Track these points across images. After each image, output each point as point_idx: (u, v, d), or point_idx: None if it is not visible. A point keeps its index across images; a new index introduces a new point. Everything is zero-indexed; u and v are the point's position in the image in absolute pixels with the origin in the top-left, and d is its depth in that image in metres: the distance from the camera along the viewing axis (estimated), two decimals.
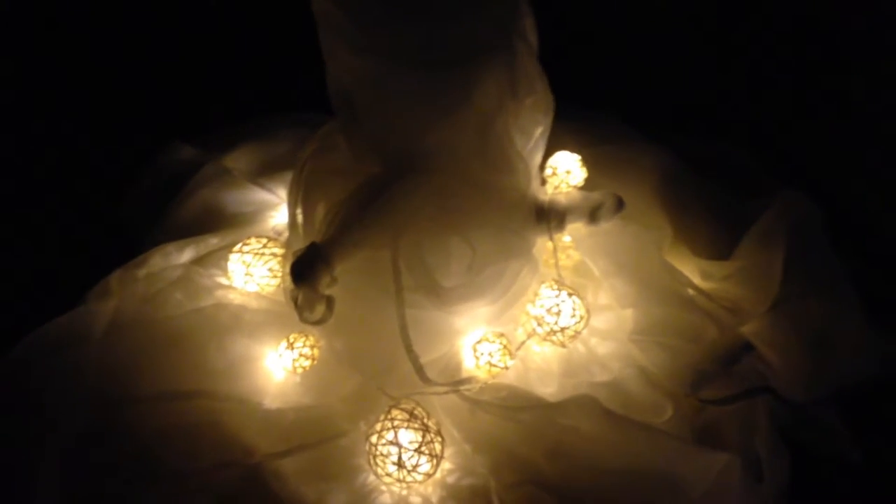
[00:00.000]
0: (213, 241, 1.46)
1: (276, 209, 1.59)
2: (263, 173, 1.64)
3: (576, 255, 1.40)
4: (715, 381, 1.28)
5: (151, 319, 1.27)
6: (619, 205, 1.31)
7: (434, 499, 1.12)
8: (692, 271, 1.44)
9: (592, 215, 1.30)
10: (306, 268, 1.13)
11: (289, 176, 1.58)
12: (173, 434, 1.15)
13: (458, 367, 1.24)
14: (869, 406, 1.32)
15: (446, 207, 1.20)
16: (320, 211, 1.25)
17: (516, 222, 1.24)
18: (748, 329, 1.33)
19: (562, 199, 1.29)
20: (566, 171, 1.34)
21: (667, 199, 1.53)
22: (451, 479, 1.14)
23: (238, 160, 1.65)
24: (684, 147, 1.70)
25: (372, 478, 1.15)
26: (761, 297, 1.37)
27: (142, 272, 1.36)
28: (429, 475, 1.12)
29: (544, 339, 1.30)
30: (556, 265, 1.31)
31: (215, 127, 1.77)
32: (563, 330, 1.28)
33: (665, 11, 1.85)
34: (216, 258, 1.43)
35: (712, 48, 1.84)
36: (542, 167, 1.33)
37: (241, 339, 1.27)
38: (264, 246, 1.38)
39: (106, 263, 1.37)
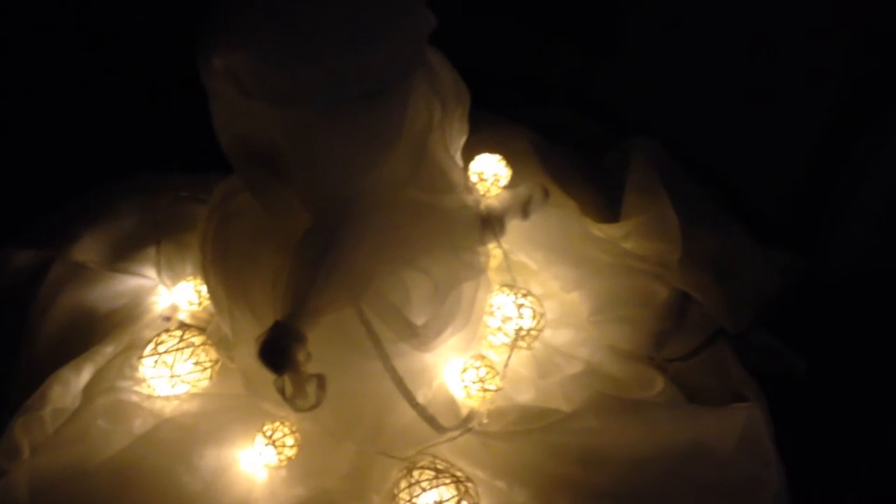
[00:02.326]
0: (108, 350, 1.26)
1: (154, 293, 1.40)
2: (120, 257, 1.44)
3: (498, 255, 1.38)
4: (674, 338, 1.32)
5: (87, 466, 1.07)
6: (546, 194, 1.29)
7: None
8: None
9: (524, 210, 1.28)
10: (280, 352, 1.00)
11: (149, 252, 1.42)
12: None
13: (452, 403, 1.17)
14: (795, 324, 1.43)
15: (393, 242, 1.12)
16: (257, 284, 1.11)
17: (465, 239, 1.18)
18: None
19: (496, 203, 1.25)
20: (493, 175, 1.29)
21: (551, 175, 1.54)
22: None
23: (85, 250, 1.42)
24: (523, 118, 1.72)
25: None
26: (669, 247, 1.42)
27: (46, 411, 1.14)
28: None
29: (513, 347, 1.26)
30: (510, 269, 1.27)
31: (26, 219, 1.51)
32: (528, 332, 1.25)
33: None
34: (119, 367, 1.24)
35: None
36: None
37: (208, 450, 1.11)
38: (181, 339, 1.21)
39: None
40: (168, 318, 1.36)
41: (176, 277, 1.41)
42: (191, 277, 1.38)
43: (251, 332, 1.09)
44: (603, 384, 1.24)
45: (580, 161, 1.66)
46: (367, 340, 1.09)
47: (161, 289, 1.40)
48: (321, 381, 1.01)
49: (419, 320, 1.12)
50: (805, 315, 1.44)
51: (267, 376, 1.03)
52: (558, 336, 1.33)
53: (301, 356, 1.01)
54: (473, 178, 1.33)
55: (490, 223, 1.22)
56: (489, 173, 1.30)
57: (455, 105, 1.13)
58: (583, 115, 1.83)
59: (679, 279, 1.39)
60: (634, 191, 1.52)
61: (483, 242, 1.19)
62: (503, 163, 1.33)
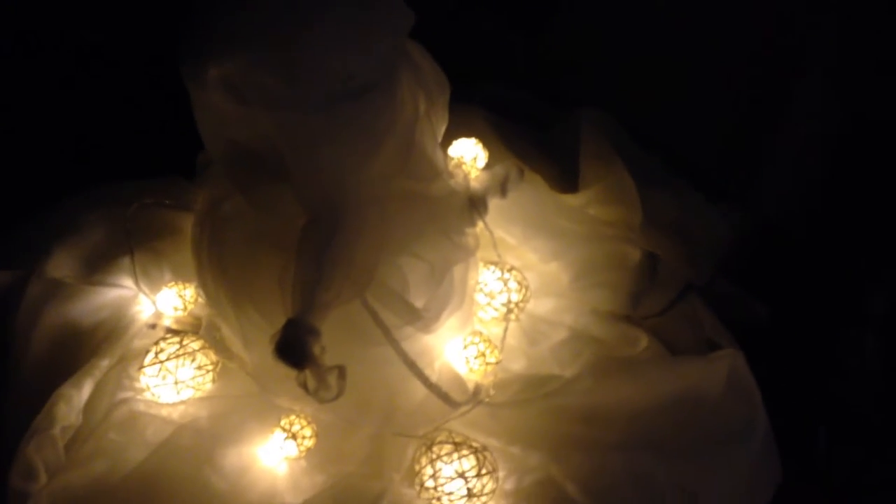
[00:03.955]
0: (104, 364, 1.25)
1: (136, 302, 1.40)
2: (95, 270, 1.42)
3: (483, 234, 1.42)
4: (648, 296, 1.40)
5: (111, 481, 1.09)
6: (521, 172, 1.35)
7: None
8: None
9: (503, 189, 1.33)
10: (298, 348, 1.03)
11: (123, 262, 1.41)
12: None
13: (459, 380, 1.22)
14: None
15: (388, 231, 1.16)
16: (261, 284, 1.13)
17: (454, 222, 1.23)
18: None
19: (476, 185, 1.30)
20: (473, 158, 1.34)
21: (513, 152, 1.60)
22: (509, 486, 1.14)
23: (59, 266, 1.40)
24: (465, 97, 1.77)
25: None
26: (630, 210, 1.50)
27: (55, 430, 1.14)
28: (493, 492, 1.11)
29: (501, 320, 1.32)
30: (495, 246, 1.32)
31: None
32: (517, 304, 1.31)
33: None
34: (117, 379, 1.24)
35: None
36: None
37: (229, 450, 1.13)
38: (181, 345, 1.22)
39: None
40: (153, 326, 1.36)
41: (154, 285, 1.40)
42: (172, 284, 1.38)
43: (261, 333, 1.11)
44: (590, 346, 1.31)
45: (531, 136, 1.72)
46: (372, 328, 1.13)
47: (142, 297, 1.39)
48: (341, 371, 1.05)
49: (419, 304, 1.16)
50: (750, 262, 1.55)
51: (280, 373, 1.06)
52: (541, 305, 1.40)
53: (317, 350, 1.04)
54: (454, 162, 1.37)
55: (475, 205, 1.27)
56: (468, 157, 1.35)
57: (438, 95, 1.17)
58: (521, 90, 1.88)
59: (642, 240, 1.47)
60: (589, 160, 1.59)
61: (471, 224, 1.24)
62: (480, 145, 1.38)
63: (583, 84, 1.81)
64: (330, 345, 1.09)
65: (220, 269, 1.17)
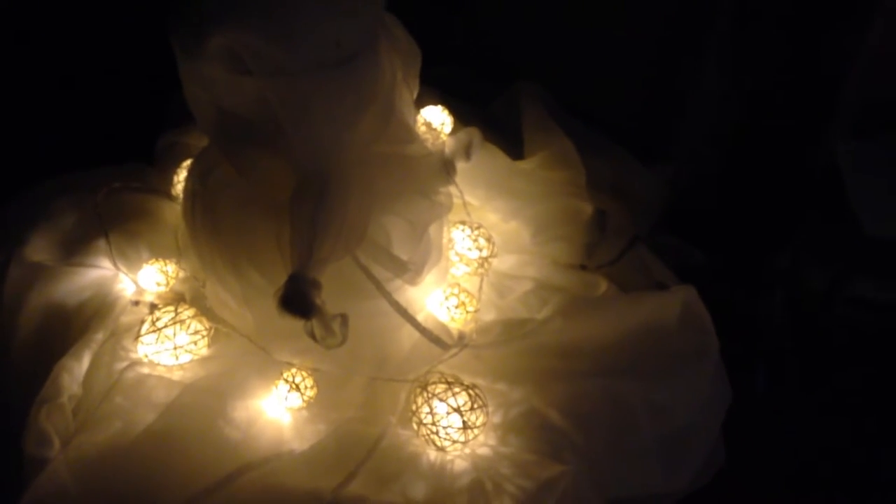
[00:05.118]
0: (98, 337, 1.30)
1: (118, 280, 1.44)
2: (71, 253, 1.46)
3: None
4: (600, 247, 1.53)
5: (125, 441, 1.14)
6: (482, 137, 1.45)
7: (495, 441, 1.22)
8: None
9: (467, 153, 1.44)
10: (303, 299, 1.11)
11: (98, 245, 1.45)
12: None
13: (444, 328, 1.32)
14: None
15: (372, 192, 1.25)
16: (258, 246, 1.21)
17: (431, 182, 1.32)
18: None
19: (445, 149, 1.40)
20: (441, 124, 1.44)
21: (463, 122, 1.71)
22: (497, 419, 1.24)
23: (38, 250, 1.43)
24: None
25: (434, 454, 1.20)
26: (575, 173, 1.63)
27: (63, 399, 1.18)
28: (484, 424, 1.21)
29: (474, 275, 1.43)
30: (465, 206, 1.43)
31: None
32: (486, 260, 1.42)
33: None
34: (112, 351, 1.29)
35: None
36: None
37: (237, 404, 1.20)
38: (176, 313, 1.27)
39: None
40: (137, 303, 1.41)
41: (132, 265, 1.45)
42: (153, 261, 1.42)
43: (260, 293, 1.19)
44: (555, 294, 1.43)
45: (477, 112, 1.83)
46: (361, 284, 1.22)
47: (123, 277, 1.44)
48: (344, 319, 1.13)
49: (403, 258, 1.26)
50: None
51: (281, 330, 1.15)
52: (505, 262, 1.51)
53: (319, 301, 1.13)
54: (422, 128, 1.47)
55: (447, 167, 1.37)
56: (437, 123, 1.45)
57: (412, 62, 1.26)
58: (462, 68, 2.00)
59: (590, 199, 1.60)
60: (532, 129, 1.72)
61: (446, 183, 1.34)
62: (446, 112, 1.48)
63: (507, 57, 1.93)
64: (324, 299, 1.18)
65: (215, 235, 1.24)
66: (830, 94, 1.62)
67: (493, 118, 1.87)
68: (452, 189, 1.38)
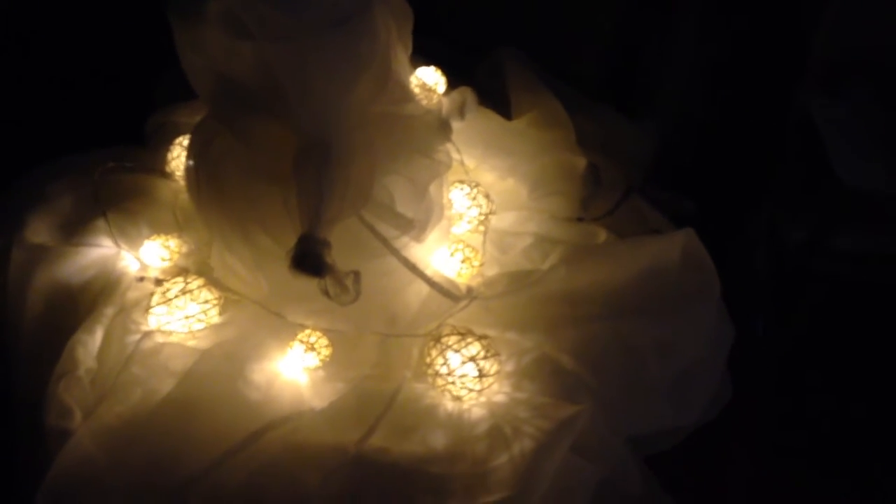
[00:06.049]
0: (109, 312, 1.30)
1: (120, 258, 1.44)
2: (71, 234, 1.46)
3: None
4: (596, 200, 1.56)
5: (146, 408, 1.16)
6: (475, 97, 1.47)
7: (509, 389, 1.25)
8: None
9: (461, 112, 1.45)
10: (316, 258, 1.12)
11: (98, 224, 1.46)
12: (269, 474, 1.10)
13: (452, 283, 1.34)
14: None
15: (373, 152, 1.26)
16: (264, 211, 1.22)
17: (429, 140, 1.34)
18: None
19: (440, 108, 1.41)
20: (434, 83, 1.45)
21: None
22: (510, 367, 1.27)
23: (38, 233, 1.43)
24: None
25: (450, 405, 1.23)
26: (565, 131, 1.66)
27: (80, 372, 1.19)
28: (497, 373, 1.24)
29: (475, 232, 1.45)
30: (462, 164, 1.45)
31: None
32: (486, 216, 1.45)
33: None
34: (123, 324, 1.30)
35: None
36: None
37: (255, 366, 1.21)
38: (186, 283, 1.28)
39: None
40: (142, 279, 1.41)
41: (133, 242, 1.45)
42: (154, 237, 1.43)
43: (271, 257, 1.20)
44: (556, 247, 1.45)
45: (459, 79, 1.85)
46: (368, 243, 1.24)
47: (125, 254, 1.44)
48: (356, 276, 1.15)
49: (411, 215, 1.27)
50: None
51: (294, 291, 1.16)
52: (503, 219, 1.53)
53: (330, 259, 1.14)
54: (416, 89, 1.48)
55: (444, 125, 1.39)
56: (430, 83, 1.46)
57: (404, 23, 1.28)
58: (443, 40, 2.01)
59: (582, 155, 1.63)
60: (518, 91, 1.74)
61: (443, 141, 1.36)
62: (439, 72, 1.49)
63: (485, 26, 1.94)
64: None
65: (220, 203, 1.25)
66: (801, 49, 1.66)
67: (477, 84, 1.88)
68: (450, 148, 1.40)
